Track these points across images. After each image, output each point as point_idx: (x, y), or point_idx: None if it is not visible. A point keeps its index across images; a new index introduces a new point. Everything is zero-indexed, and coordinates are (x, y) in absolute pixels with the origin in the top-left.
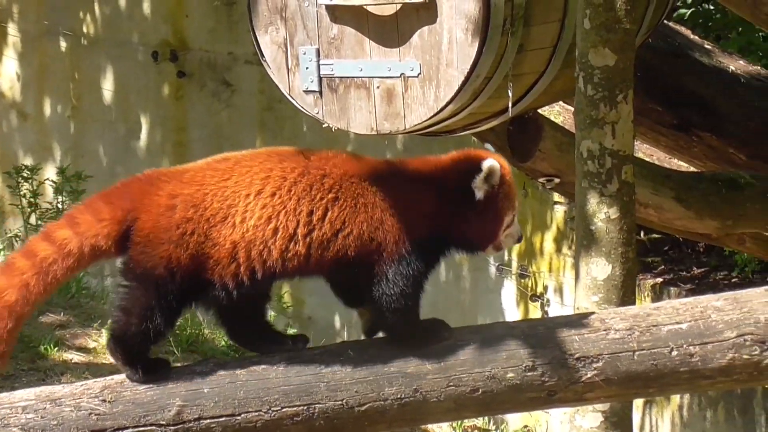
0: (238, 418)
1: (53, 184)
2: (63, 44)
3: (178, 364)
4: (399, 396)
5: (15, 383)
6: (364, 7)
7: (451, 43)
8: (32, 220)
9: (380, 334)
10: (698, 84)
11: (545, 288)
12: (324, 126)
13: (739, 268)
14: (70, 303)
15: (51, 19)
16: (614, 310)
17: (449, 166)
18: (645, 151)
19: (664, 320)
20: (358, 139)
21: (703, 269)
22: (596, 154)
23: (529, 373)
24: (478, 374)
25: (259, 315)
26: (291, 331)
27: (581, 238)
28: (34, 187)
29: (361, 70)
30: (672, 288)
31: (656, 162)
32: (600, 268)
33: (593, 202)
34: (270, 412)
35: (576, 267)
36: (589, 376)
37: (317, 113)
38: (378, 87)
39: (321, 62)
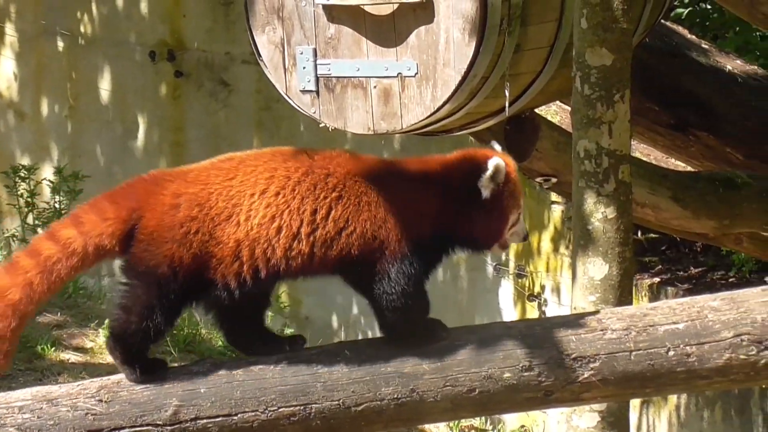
0: (235, 418)
1: (50, 184)
2: (60, 44)
3: (175, 364)
4: (396, 396)
5: (12, 383)
6: (361, 6)
7: (448, 42)
8: (29, 219)
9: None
10: (695, 83)
11: (542, 288)
12: (321, 126)
13: (736, 268)
14: (67, 303)
15: (48, 18)
16: (611, 310)
17: (454, 165)
18: (642, 151)
19: (661, 320)
20: (355, 138)
21: (700, 269)
22: (593, 154)
23: (525, 373)
24: (475, 374)
25: (258, 319)
26: (288, 331)
27: (578, 237)
28: (32, 187)
29: (358, 69)
30: (669, 288)
31: (653, 162)
32: (597, 267)
33: (590, 201)
34: (267, 412)
35: (573, 267)
36: (585, 376)
37: (314, 113)
38: (375, 87)
39: (318, 62)
